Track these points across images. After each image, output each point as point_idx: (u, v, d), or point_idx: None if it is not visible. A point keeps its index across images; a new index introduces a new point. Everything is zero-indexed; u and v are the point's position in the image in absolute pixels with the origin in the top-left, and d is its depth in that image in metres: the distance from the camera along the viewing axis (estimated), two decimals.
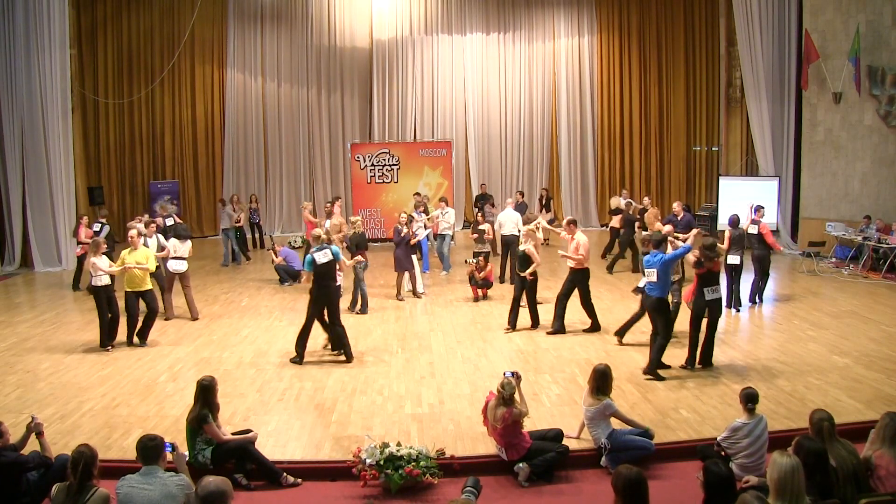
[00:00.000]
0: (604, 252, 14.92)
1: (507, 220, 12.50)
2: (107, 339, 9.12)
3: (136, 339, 9.32)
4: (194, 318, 10.48)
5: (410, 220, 11.78)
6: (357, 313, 10.72)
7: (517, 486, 5.69)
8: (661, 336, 7.85)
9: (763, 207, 11.49)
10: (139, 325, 9.33)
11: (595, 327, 9.64)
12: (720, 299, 8.08)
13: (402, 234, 11.41)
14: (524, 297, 9.77)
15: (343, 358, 8.56)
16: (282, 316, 10.70)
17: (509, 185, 19.66)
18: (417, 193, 15.05)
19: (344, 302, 11.01)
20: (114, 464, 5.63)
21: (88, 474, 4.36)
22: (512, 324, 9.77)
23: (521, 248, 9.76)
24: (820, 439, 4.68)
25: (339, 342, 8.59)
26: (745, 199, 13.25)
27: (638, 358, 8.49)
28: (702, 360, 8.09)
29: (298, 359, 8.48)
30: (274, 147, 19.41)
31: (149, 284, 9.47)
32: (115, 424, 6.71)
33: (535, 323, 9.82)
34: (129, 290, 9.25)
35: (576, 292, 9.52)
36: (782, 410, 6.82)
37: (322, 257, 8.28)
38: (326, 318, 8.58)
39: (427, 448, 5.78)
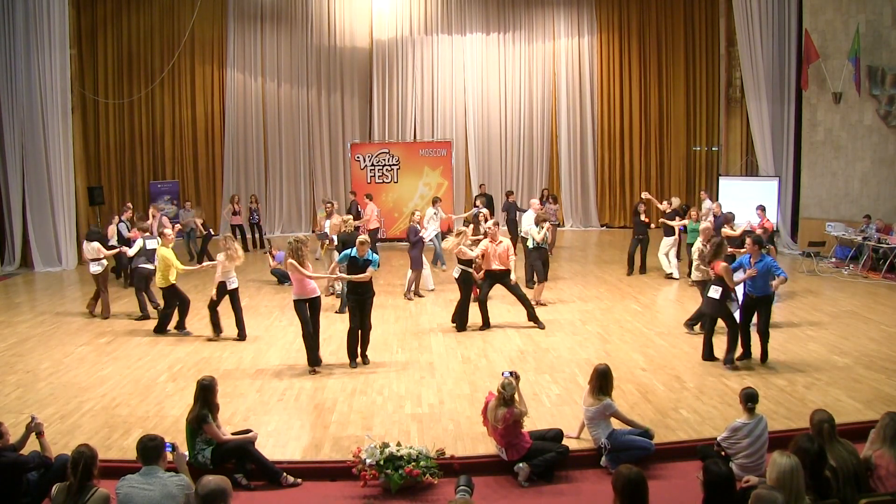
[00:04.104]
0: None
1: (524, 222, 12.60)
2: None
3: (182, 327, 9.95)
4: (105, 317, 10.79)
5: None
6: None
7: (517, 486, 5.69)
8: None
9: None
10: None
11: (487, 325, 9.92)
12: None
13: (418, 234, 11.52)
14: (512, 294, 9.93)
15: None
16: (282, 316, 10.70)
17: (509, 186, 19.63)
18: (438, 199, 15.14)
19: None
20: (114, 464, 5.63)
21: (88, 474, 4.37)
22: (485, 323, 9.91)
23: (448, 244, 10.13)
24: (820, 440, 4.68)
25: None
26: (748, 199, 13.25)
27: (638, 358, 8.50)
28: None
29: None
30: (274, 147, 19.42)
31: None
32: (115, 424, 6.70)
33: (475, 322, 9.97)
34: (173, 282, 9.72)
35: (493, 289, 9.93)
36: (782, 410, 6.82)
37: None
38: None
39: (427, 448, 5.77)
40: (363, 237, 8.52)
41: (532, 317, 9.89)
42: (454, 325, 9.93)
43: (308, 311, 8.18)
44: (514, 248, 12.42)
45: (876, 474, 4.73)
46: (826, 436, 4.74)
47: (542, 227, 10.91)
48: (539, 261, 10.96)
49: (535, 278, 11.13)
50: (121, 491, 4.40)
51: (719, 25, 18.77)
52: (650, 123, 20.01)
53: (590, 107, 20.02)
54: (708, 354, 8.36)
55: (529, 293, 10.42)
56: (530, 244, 11.10)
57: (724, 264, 8.04)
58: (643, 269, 13.38)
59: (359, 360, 8.44)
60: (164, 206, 16.97)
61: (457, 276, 9.82)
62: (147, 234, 11.05)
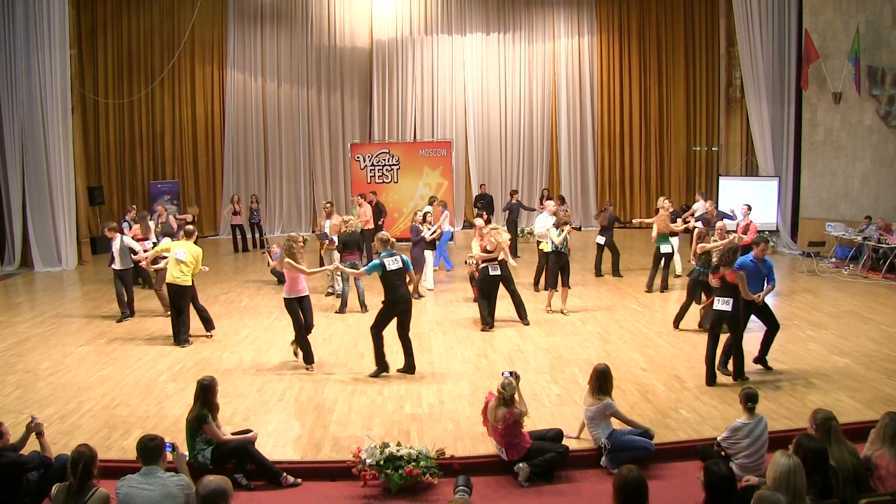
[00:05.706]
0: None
1: (537, 224, 12.43)
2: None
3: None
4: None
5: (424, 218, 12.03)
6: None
7: (517, 486, 5.69)
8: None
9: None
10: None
11: (526, 321, 10.01)
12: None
13: (421, 234, 11.51)
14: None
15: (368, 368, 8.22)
16: (281, 316, 10.66)
17: (509, 185, 19.62)
18: (434, 198, 15.09)
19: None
20: (114, 464, 5.63)
21: (88, 474, 4.36)
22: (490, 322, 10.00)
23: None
24: (827, 438, 4.67)
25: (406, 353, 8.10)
26: (748, 199, 13.21)
27: (638, 358, 8.50)
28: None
29: (379, 371, 8.01)
30: (274, 147, 19.42)
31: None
32: (115, 424, 6.71)
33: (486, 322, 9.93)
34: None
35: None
36: (782, 410, 6.82)
37: (392, 264, 7.84)
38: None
39: (427, 448, 5.77)
40: (383, 233, 8.28)
41: (521, 313, 10.06)
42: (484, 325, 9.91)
43: (300, 308, 8.21)
44: (516, 249, 12.46)
45: (876, 474, 4.73)
46: (834, 433, 4.73)
47: (563, 230, 10.29)
48: (557, 266, 10.35)
49: (560, 283, 10.42)
50: (121, 491, 4.40)
51: (719, 25, 18.76)
52: (650, 123, 20.01)
53: (590, 107, 20.02)
54: (712, 377, 7.59)
55: (530, 295, 10.39)
56: (548, 247, 10.51)
57: (741, 273, 7.45)
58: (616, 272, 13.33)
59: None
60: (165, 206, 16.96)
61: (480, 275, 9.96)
62: (117, 234, 10.67)
